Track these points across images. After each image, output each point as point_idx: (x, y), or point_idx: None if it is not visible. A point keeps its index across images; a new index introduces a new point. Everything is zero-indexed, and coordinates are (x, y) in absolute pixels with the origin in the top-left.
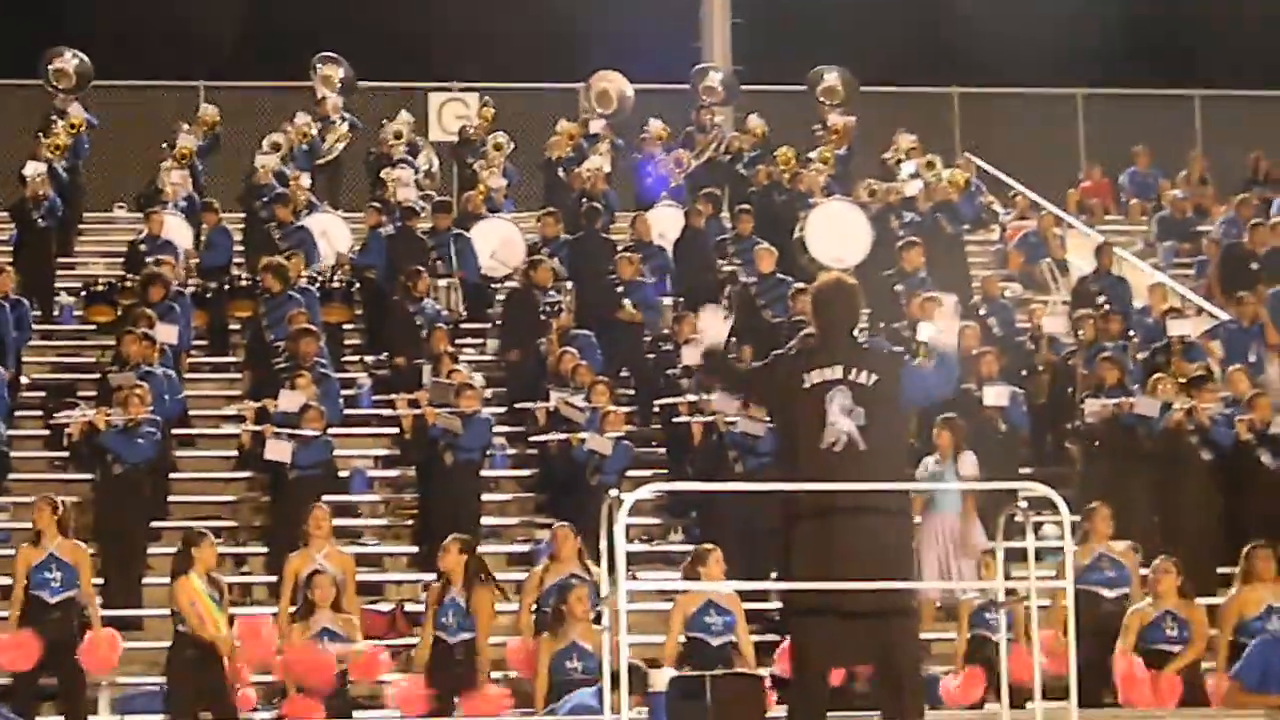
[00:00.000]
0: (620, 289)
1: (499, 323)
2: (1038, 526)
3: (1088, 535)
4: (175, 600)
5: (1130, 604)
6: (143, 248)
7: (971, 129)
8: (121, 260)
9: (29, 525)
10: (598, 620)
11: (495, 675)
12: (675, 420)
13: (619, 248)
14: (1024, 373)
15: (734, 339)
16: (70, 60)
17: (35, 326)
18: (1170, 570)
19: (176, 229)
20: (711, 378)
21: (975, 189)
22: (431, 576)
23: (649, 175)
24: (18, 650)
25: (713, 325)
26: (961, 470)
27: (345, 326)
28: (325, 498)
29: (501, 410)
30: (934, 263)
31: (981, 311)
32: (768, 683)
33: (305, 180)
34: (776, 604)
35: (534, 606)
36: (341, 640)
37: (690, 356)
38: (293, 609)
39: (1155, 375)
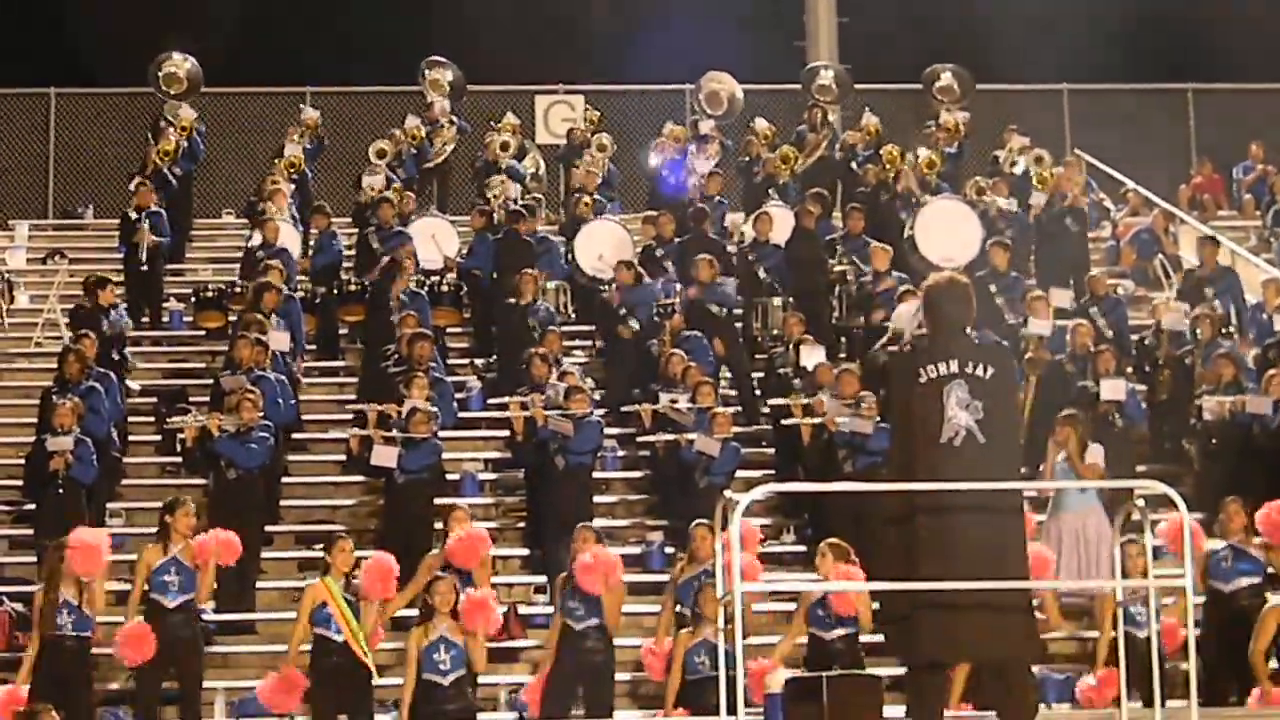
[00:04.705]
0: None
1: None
2: (1155, 524)
3: (1222, 530)
4: (304, 602)
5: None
6: (260, 254)
7: (1082, 125)
8: (236, 266)
9: (143, 530)
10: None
11: (624, 677)
12: (785, 422)
13: (726, 248)
14: (1146, 368)
15: (844, 339)
16: (182, 64)
17: (146, 333)
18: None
19: (289, 236)
20: None
21: (1087, 186)
22: (543, 579)
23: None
24: (137, 643)
25: None
26: (1088, 463)
27: (453, 329)
28: (435, 500)
29: (610, 412)
30: (1057, 260)
31: (1092, 309)
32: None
33: (410, 194)
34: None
35: (674, 605)
36: (457, 648)
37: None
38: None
39: (1270, 372)
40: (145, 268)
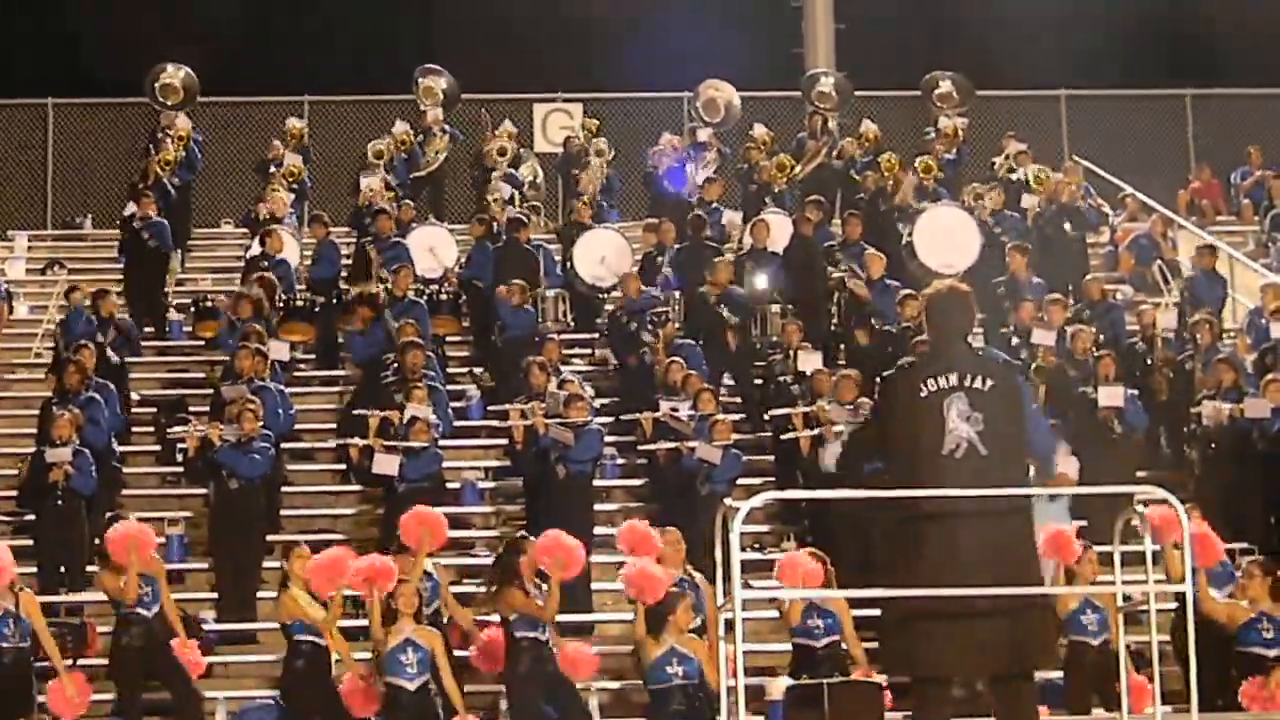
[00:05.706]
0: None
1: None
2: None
3: None
4: (281, 614)
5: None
6: (263, 264)
7: (1080, 131)
8: (235, 276)
9: None
10: (701, 628)
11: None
12: (784, 435)
13: (726, 254)
14: (1136, 373)
15: (842, 346)
16: (176, 74)
17: (146, 343)
18: (1255, 574)
19: (290, 246)
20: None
21: (1085, 191)
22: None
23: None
24: None
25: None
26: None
27: (453, 338)
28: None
29: (610, 420)
30: (1053, 267)
31: (1085, 314)
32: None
33: (409, 203)
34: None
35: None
36: (423, 652)
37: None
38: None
39: (1268, 376)
40: (151, 243)
